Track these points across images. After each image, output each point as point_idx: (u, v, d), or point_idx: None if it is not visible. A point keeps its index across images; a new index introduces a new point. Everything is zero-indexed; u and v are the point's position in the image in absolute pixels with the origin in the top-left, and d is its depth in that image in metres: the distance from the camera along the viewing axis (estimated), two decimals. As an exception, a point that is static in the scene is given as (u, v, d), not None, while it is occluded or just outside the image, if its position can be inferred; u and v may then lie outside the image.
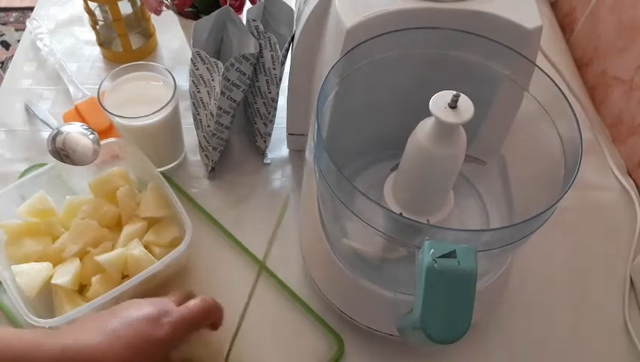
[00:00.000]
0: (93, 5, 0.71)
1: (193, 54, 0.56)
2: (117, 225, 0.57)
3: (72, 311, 0.49)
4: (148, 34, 0.77)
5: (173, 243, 0.54)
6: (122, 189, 0.56)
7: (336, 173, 0.40)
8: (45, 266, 0.52)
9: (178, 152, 0.67)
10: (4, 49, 1.74)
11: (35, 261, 0.53)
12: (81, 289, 0.54)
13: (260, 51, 0.57)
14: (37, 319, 0.48)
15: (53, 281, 0.51)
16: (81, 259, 0.53)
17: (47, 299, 0.53)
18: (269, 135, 0.65)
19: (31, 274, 0.51)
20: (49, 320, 0.48)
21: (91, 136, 0.56)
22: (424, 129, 0.43)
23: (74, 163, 0.55)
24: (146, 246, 0.55)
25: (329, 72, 0.44)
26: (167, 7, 0.68)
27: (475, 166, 0.53)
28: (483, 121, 0.51)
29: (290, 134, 0.66)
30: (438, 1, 0.45)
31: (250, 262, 0.59)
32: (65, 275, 0.51)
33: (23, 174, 0.64)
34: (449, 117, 0.40)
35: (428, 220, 0.48)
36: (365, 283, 0.50)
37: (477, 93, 0.41)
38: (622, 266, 0.61)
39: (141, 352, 0.41)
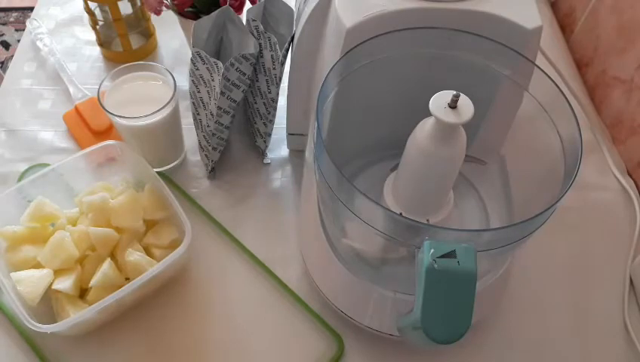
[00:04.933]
0: (93, 5, 0.71)
1: (193, 54, 0.56)
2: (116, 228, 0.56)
3: (76, 315, 0.49)
4: (148, 34, 0.77)
5: (173, 245, 0.54)
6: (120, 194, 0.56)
7: (336, 173, 0.40)
8: (46, 273, 0.51)
9: (178, 152, 0.67)
10: (4, 49, 1.74)
11: (34, 267, 0.52)
12: (82, 293, 0.53)
13: (260, 51, 0.57)
14: (39, 325, 0.47)
15: (54, 287, 0.51)
16: (80, 264, 0.53)
17: (45, 302, 0.52)
18: (269, 135, 0.65)
19: (32, 281, 0.51)
20: (52, 325, 0.48)
21: None
22: (424, 129, 0.43)
23: None
24: (145, 249, 0.55)
25: (329, 72, 0.44)
26: (167, 7, 0.68)
27: (475, 166, 0.53)
28: (483, 121, 0.51)
29: (290, 134, 0.66)
30: (438, 1, 0.45)
31: (250, 262, 0.59)
32: (65, 280, 0.51)
33: (23, 174, 0.64)
34: (449, 117, 0.40)
35: (428, 220, 0.48)
36: (365, 283, 0.50)
37: (477, 93, 0.41)
38: (622, 266, 0.61)
39: None
